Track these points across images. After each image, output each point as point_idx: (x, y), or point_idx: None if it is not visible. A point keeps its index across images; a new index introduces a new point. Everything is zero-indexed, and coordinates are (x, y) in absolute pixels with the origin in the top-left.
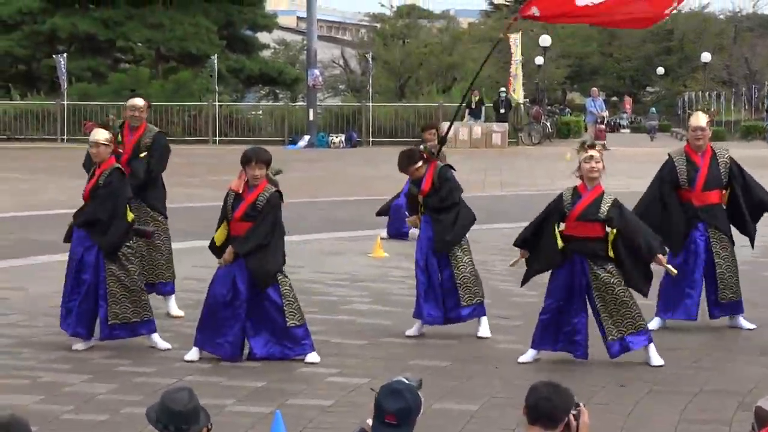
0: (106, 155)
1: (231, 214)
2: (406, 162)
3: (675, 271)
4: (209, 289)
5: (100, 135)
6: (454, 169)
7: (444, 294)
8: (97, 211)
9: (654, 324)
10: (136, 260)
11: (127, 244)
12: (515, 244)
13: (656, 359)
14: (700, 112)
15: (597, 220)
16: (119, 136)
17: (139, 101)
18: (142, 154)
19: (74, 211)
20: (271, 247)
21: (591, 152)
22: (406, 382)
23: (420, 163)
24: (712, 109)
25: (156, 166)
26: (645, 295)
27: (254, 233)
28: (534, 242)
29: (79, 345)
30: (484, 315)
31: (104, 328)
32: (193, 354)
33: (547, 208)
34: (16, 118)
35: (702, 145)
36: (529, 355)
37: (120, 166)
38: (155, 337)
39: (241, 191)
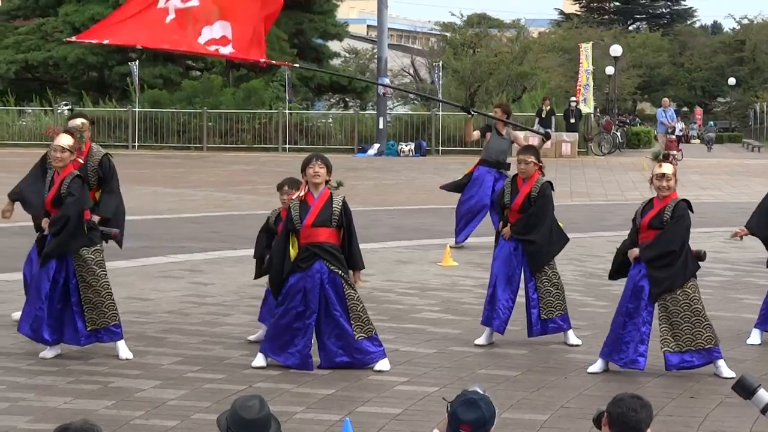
0: (68, 161)
1: (300, 223)
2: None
3: None
4: (281, 301)
5: (65, 140)
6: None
7: (530, 306)
8: (70, 218)
9: (754, 338)
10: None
11: (97, 248)
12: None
13: (727, 371)
14: None
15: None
16: (82, 144)
17: (78, 121)
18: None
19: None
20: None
21: (663, 168)
22: (481, 392)
23: None
24: None
25: (118, 194)
26: None
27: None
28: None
29: (47, 353)
30: (569, 328)
31: (83, 335)
32: (259, 360)
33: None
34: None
35: None
36: (598, 365)
37: (80, 173)
38: (122, 344)
39: (304, 198)
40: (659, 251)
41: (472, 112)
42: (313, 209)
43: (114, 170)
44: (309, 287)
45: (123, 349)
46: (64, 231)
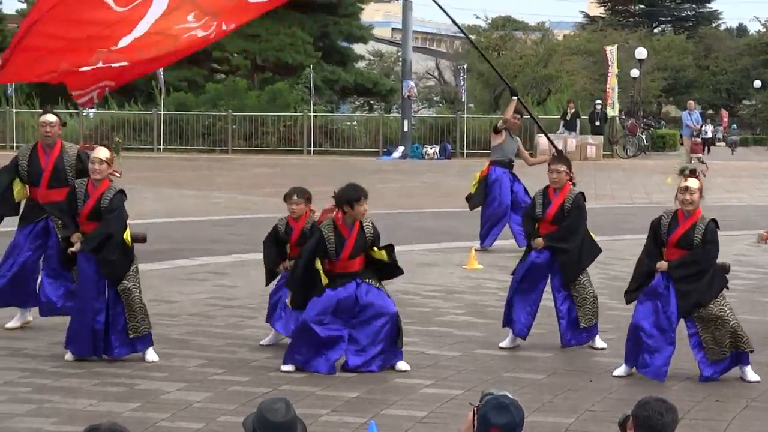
0: (106, 174)
1: (336, 257)
2: None
3: None
4: (310, 311)
5: (104, 153)
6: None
7: (559, 317)
8: (112, 236)
9: None
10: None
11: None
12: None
13: (752, 375)
14: None
15: (693, 248)
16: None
17: (50, 117)
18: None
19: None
20: None
21: (688, 182)
22: (510, 396)
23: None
24: None
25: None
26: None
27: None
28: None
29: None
30: (597, 334)
31: (124, 343)
32: (289, 366)
33: (648, 236)
34: (114, 128)
35: None
36: (623, 369)
37: (122, 189)
38: (151, 350)
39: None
40: (690, 272)
41: (518, 98)
42: (349, 242)
43: None
44: (342, 297)
45: (150, 353)
46: (112, 253)
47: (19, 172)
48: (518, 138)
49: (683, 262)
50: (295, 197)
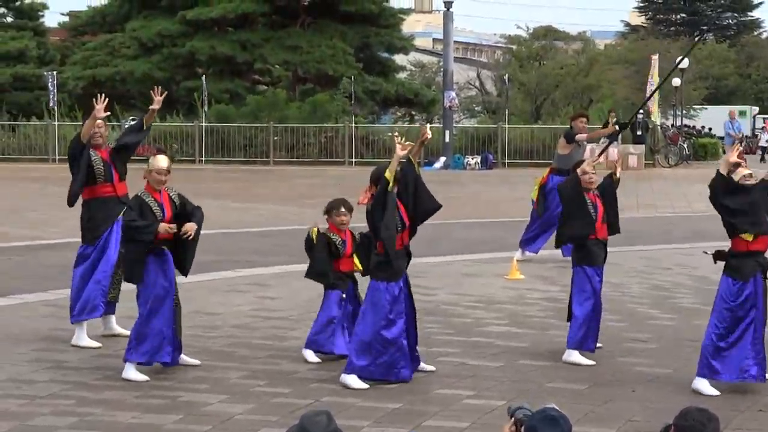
0: (167, 181)
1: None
2: None
3: None
4: (374, 325)
5: (166, 162)
6: None
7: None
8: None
9: None
10: None
11: None
12: None
13: None
14: None
15: None
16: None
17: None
18: None
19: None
20: None
21: (746, 169)
22: (557, 408)
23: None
24: None
25: None
26: None
27: None
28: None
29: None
30: None
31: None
32: (359, 383)
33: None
34: (156, 140)
35: None
36: (704, 385)
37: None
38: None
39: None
40: None
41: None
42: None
43: None
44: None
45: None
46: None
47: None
48: (585, 144)
49: None
50: (343, 209)
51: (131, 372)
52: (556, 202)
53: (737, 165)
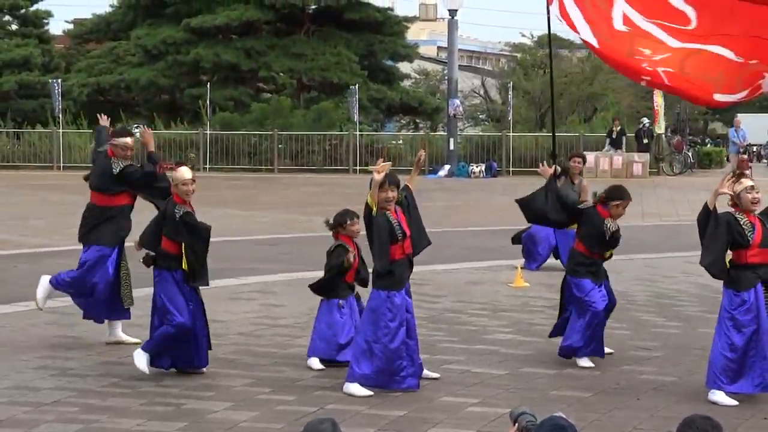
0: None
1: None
2: None
3: None
4: (375, 333)
5: (189, 173)
6: None
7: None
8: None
9: None
10: None
11: None
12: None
13: None
14: None
15: None
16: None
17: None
18: None
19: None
20: None
21: (750, 181)
22: (565, 417)
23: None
24: None
25: None
26: None
27: None
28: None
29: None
30: None
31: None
32: (362, 390)
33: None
34: (160, 147)
35: None
36: (721, 396)
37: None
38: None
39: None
40: None
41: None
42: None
43: None
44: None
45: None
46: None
47: None
48: (583, 179)
49: None
50: (355, 219)
51: (142, 361)
52: (546, 231)
53: (741, 176)
